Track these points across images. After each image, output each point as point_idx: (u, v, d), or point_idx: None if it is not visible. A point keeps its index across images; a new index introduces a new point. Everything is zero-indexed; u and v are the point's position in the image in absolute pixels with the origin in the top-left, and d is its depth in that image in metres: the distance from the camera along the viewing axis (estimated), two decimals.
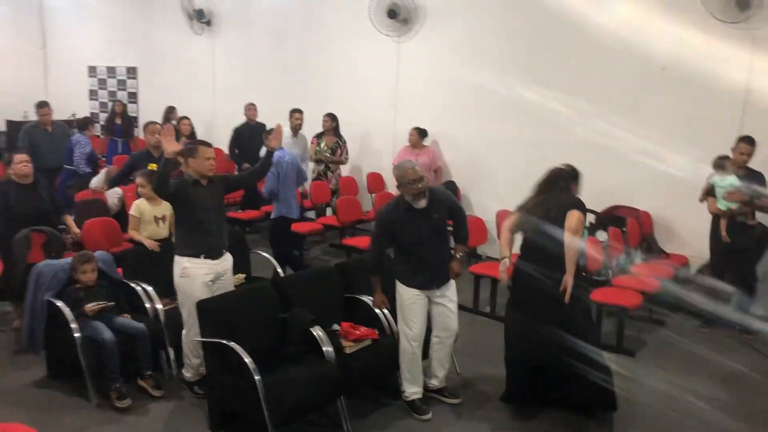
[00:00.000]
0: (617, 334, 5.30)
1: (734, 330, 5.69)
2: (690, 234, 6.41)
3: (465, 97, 7.80)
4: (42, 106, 7.96)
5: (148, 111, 10.28)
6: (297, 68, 9.29)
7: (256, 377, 3.57)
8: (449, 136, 7.95)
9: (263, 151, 5.00)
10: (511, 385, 4.31)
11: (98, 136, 10.32)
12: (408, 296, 4.13)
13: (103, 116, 11.41)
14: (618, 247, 5.95)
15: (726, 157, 5.64)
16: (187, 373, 4.41)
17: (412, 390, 4.23)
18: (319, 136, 8.19)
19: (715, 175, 5.66)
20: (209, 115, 9.78)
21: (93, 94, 12.32)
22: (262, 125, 8.23)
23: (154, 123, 6.66)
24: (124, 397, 4.18)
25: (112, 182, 6.49)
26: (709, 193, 5.72)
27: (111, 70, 12.00)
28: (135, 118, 10.95)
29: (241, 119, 8.95)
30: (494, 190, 7.43)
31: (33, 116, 8.40)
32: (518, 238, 4.26)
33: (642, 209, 6.64)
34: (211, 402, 4.02)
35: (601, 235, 6.31)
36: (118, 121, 9.72)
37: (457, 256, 4.25)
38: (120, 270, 4.82)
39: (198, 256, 4.18)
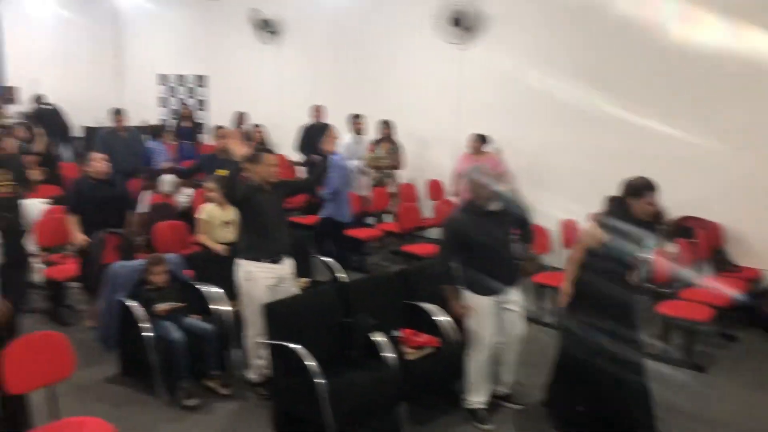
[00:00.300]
0: (687, 349, 5.13)
1: None
2: (766, 246, 6.15)
3: (529, 103, 7.70)
4: (117, 113, 8.40)
5: (217, 118, 10.58)
6: (358, 75, 9.38)
7: (320, 381, 3.62)
8: (512, 142, 7.85)
9: None
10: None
11: (170, 143, 10.68)
12: (480, 305, 4.09)
13: (172, 123, 11.77)
14: (687, 259, 5.76)
15: None
16: (252, 375, 4.50)
17: (477, 399, 4.21)
18: (376, 142, 8.25)
19: None
20: (276, 119, 10.00)
21: (163, 102, 12.73)
22: (328, 125, 8.36)
23: (223, 127, 6.93)
24: (192, 396, 4.31)
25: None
26: None
27: (181, 79, 12.37)
28: (202, 125, 11.28)
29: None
30: (558, 199, 7.29)
31: (107, 122, 8.81)
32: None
33: (715, 220, 6.40)
34: (275, 404, 4.10)
35: (671, 247, 6.12)
36: (188, 124, 10.07)
37: (531, 255, 4.21)
38: (191, 272, 4.97)
39: (261, 260, 4.29)
